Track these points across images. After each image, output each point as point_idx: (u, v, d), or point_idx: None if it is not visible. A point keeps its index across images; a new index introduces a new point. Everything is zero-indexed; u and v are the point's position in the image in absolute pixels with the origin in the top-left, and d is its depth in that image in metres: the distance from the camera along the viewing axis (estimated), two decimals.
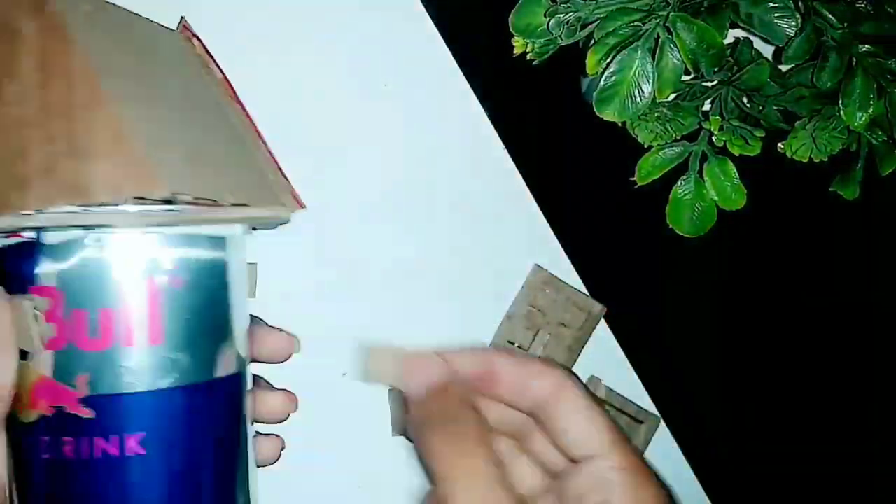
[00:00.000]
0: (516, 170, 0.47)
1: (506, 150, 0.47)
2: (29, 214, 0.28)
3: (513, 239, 0.47)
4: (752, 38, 0.39)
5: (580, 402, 0.32)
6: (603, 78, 0.35)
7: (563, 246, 0.48)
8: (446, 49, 0.46)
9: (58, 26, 0.29)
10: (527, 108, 0.47)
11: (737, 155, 0.37)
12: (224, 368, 0.31)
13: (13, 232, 0.28)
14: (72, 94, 0.28)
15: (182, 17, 0.41)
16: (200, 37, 0.44)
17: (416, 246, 0.46)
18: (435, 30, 0.45)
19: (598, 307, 0.48)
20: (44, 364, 0.29)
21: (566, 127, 0.47)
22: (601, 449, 0.31)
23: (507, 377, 0.32)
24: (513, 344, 0.47)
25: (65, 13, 0.29)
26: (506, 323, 0.47)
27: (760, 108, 0.38)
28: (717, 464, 0.51)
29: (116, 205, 0.28)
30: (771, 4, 0.36)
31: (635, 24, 0.35)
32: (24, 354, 0.28)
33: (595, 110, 0.35)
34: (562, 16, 0.36)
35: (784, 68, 0.39)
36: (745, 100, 0.38)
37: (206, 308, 0.31)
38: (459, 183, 0.46)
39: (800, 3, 0.37)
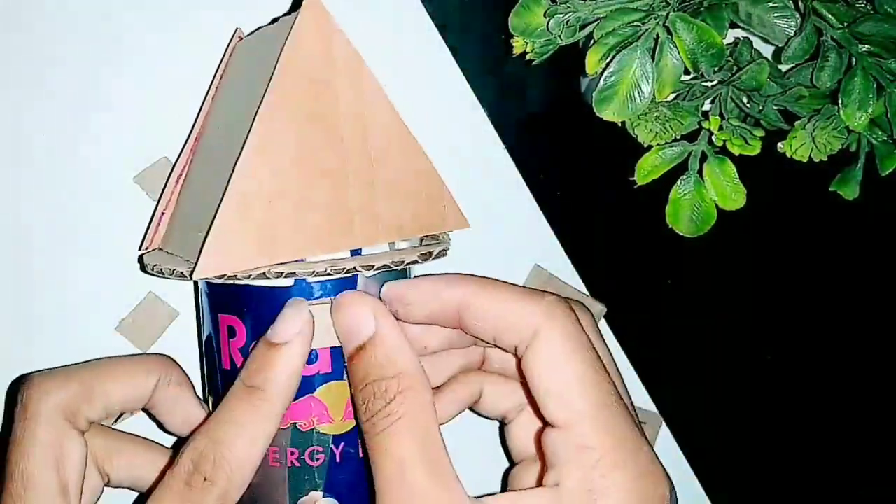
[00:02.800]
0: (516, 170, 0.47)
1: (506, 150, 0.47)
2: (351, 257, 0.33)
3: (513, 239, 0.47)
4: (752, 38, 0.39)
5: (565, 346, 0.26)
6: (602, 78, 0.35)
7: (563, 246, 0.48)
8: (446, 49, 0.46)
9: (368, 80, 0.34)
10: (527, 108, 0.47)
11: (737, 155, 0.37)
12: None
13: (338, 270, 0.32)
14: (389, 144, 0.35)
15: (237, 28, 0.41)
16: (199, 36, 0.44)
17: None
18: (435, 30, 0.45)
19: (598, 307, 0.48)
20: None
21: (566, 127, 0.47)
22: (575, 416, 0.25)
23: (480, 313, 0.28)
24: None
25: (359, 59, 0.34)
26: None
27: (760, 107, 0.38)
28: (717, 464, 0.51)
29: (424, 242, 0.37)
30: (771, 4, 0.36)
31: (635, 24, 0.35)
32: (343, 374, 0.33)
33: (595, 110, 0.35)
34: (561, 16, 0.36)
35: (784, 68, 0.39)
36: (744, 100, 0.38)
37: None
38: (459, 183, 0.46)
39: (799, 3, 0.37)
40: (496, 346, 0.29)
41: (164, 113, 0.43)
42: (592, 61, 0.36)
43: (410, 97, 0.45)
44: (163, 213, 0.40)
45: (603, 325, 0.49)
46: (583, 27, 0.37)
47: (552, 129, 0.48)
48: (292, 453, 0.34)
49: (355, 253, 0.34)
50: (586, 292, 0.48)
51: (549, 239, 0.48)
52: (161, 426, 0.38)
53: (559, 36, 0.37)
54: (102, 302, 0.43)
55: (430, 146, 0.46)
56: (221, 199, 0.31)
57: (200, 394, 0.44)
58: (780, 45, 0.37)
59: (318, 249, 0.33)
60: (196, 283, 0.40)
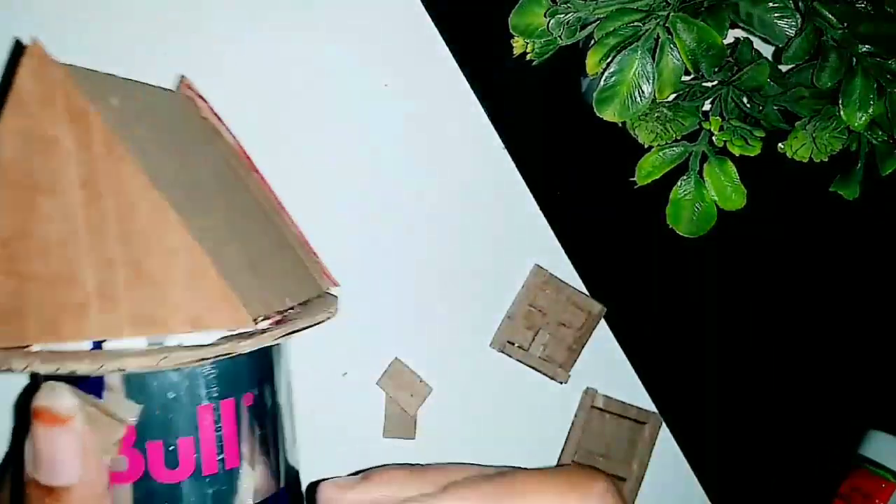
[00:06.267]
0: (516, 170, 0.47)
1: (506, 150, 0.47)
2: (90, 351, 0.26)
3: (513, 239, 0.47)
4: (752, 38, 0.39)
5: None
6: (603, 78, 0.35)
7: (563, 246, 0.48)
8: (446, 49, 0.46)
9: (101, 135, 0.27)
10: (527, 108, 0.47)
11: (737, 155, 0.37)
12: (285, 478, 0.30)
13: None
14: (130, 215, 0.27)
15: (182, 77, 0.40)
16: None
17: (416, 246, 0.46)
18: (435, 30, 0.45)
19: (598, 307, 0.48)
20: (123, 499, 0.27)
21: (566, 127, 0.47)
22: None
23: None
24: (513, 344, 0.47)
25: (100, 116, 0.27)
26: (506, 323, 0.47)
27: (760, 108, 0.38)
28: (717, 464, 0.51)
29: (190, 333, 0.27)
30: (771, 4, 0.36)
31: (635, 24, 0.35)
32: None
33: (595, 110, 0.35)
34: (562, 16, 0.36)
35: (784, 68, 0.39)
36: (745, 100, 0.38)
37: (270, 421, 0.30)
38: (459, 183, 0.46)
39: (800, 3, 0.37)
40: None
41: None
42: (592, 61, 0.36)
43: (410, 97, 0.46)
44: None
45: (603, 325, 0.49)
46: (583, 27, 0.37)
47: (552, 129, 0.48)
48: None
49: (97, 346, 0.27)
50: (586, 292, 0.48)
51: (549, 239, 0.48)
52: None
53: (559, 36, 0.37)
54: None
55: (430, 146, 0.46)
56: None
57: None
58: (780, 45, 0.37)
59: (44, 337, 0.27)
60: None
